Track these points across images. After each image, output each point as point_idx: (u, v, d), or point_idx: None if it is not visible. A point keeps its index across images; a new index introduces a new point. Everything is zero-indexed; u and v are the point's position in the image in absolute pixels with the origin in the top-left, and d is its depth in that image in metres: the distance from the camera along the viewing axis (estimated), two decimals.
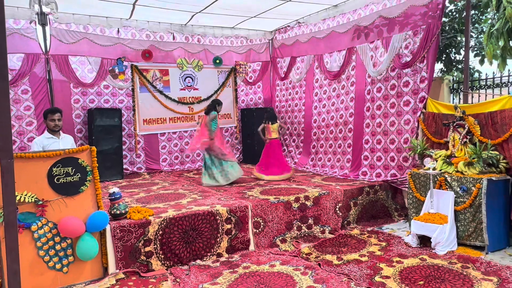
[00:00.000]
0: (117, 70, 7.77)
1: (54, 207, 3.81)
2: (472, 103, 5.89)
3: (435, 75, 6.22)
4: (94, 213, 3.96)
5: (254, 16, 7.80)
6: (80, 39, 7.33)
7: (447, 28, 6.60)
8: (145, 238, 4.19)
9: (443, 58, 6.79)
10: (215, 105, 6.63)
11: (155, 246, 4.24)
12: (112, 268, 4.05)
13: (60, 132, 4.80)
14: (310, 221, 5.35)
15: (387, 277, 3.79)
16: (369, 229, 5.48)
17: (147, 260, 4.20)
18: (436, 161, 5.06)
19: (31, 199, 3.69)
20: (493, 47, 5.54)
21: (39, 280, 3.71)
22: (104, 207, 4.19)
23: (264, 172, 6.84)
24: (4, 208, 2.30)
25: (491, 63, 6.08)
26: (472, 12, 6.57)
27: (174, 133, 8.57)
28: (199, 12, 7.36)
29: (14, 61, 6.65)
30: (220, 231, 4.64)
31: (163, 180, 7.15)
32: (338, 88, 7.44)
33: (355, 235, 5.19)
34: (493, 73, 6.20)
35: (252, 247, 4.84)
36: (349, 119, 7.11)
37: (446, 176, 4.79)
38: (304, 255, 4.51)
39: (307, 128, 8.28)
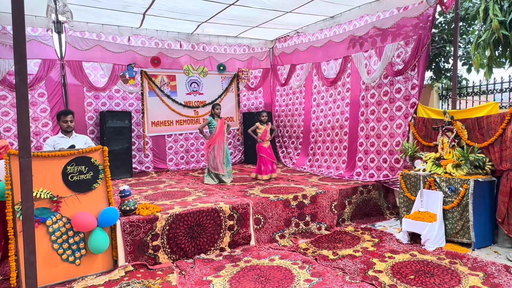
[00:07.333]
0: (127, 76, 7.79)
1: (68, 203, 3.81)
2: (460, 109, 5.89)
3: (425, 82, 6.23)
4: (105, 209, 3.95)
5: (256, 26, 7.81)
6: (93, 46, 7.35)
7: (436, 38, 6.60)
8: (152, 233, 4.19)
9: (433, 67, 6.79)
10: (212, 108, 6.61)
11: (162, 240, 4.24)
12: (121, 260, 4.05)
13: (73, 132, 4.78)
14: (308, 218, 5.34)
15: (380, 271, 3.78)
16: (362, 226, 5.48)
17: (155, 253, 4.20)
18: (426, 163, 5.05)
19: (47, 195, 3.69)
20: (480, 57, 5.55)
21: (53, 271, 3.71)
22: (115, 204, 4.19)
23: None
24: (23, 203, 2.30)
25: (478, 71, 6.09)
26: (460, 24, 6.57)
27: (180, 134, 8.58)
28: (205, 22, 7.37)
29: (32, 66, 6.68)
30: (223, 227, 4.64)
31: (169, 178, 7.15)
32: (334, 94, 7.45)
33: (350, 232, 5.18)
34: (480, 81, 6.21)
35: (253, 242, 4.83)
36: (345, 123, 7.11)
37: (435, 177, 4.79)
38: (301, 250, 4.50)
39: (306, 131, 8.28)
